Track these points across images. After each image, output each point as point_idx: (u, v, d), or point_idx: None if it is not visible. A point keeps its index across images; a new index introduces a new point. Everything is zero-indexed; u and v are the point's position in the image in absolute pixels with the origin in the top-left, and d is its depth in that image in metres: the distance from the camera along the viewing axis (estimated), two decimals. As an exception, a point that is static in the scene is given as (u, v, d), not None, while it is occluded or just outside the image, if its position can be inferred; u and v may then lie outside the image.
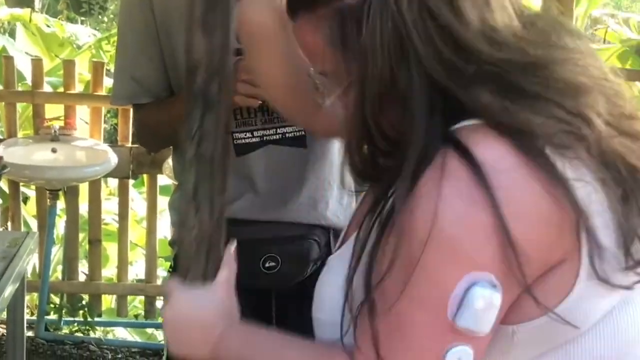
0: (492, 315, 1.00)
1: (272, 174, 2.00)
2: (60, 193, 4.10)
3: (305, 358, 1.16)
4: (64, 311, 4.32)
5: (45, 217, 4.14)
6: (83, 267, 4.53)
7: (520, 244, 0.97)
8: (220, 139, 1.10)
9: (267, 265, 2.00)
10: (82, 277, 4.41)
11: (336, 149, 2.00)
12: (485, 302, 0.98)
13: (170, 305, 1.22)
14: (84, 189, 4.31)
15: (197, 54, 1.07)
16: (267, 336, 1.23)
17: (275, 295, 2.08)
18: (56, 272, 4.61)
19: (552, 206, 0.98)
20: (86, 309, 4.30)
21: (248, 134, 2.01)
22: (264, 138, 1.99)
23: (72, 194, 4.22)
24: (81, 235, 4.45)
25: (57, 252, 4.69)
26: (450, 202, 0.97)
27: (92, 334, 4.29)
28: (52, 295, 4.38)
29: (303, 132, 1.97)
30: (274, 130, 1.99)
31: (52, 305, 4.36)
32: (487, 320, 1.00)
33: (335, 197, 2.04)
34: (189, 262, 1.18)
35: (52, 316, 4.35)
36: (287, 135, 1.99)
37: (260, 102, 1.89)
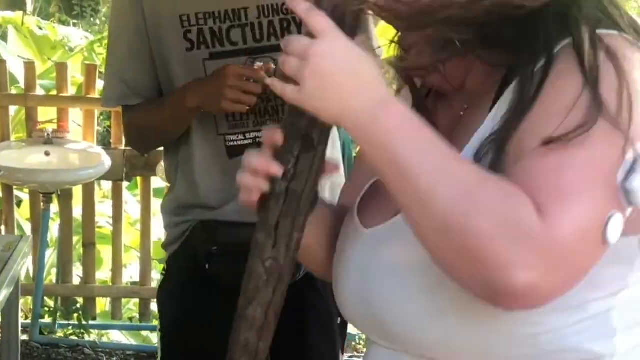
0: None
1: None
2: (54, 196, 4.09)
3: (485, 182, 0.98)
4: (58, 314, 4.31)
5: (39, 221, 4.13)
6: (77, 270, 4.52)
7: None
8: (311, 181, 1.12)
9: None
10: (76, 280, 4.41)
11: (328, 150, 1.99)
12: None
13: (324, 41, 1.01)
14: (77, 192, 4.30)
15: None
16: (438, 139, 1.01)
17: None
18: (50, 276, 4.60)
19: None
20: (80, 312, 4.30)
21: (240, 136, 2.02)
22: (257, 140, 2.00)
23: (65, 197, 4.22)
24: (75, 239, 4.44)
25: (51, 256, 4.69)
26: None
27: (86, 337, 4.28)
28: (46, 299, 4.37)
29: None
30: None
31: (46, 309, 4.36)
32: None
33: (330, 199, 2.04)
34: (256, 293, 1.17)
35: (47, 319, 4.34)
36: None
37: (247, 107, 1.90)
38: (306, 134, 1.10)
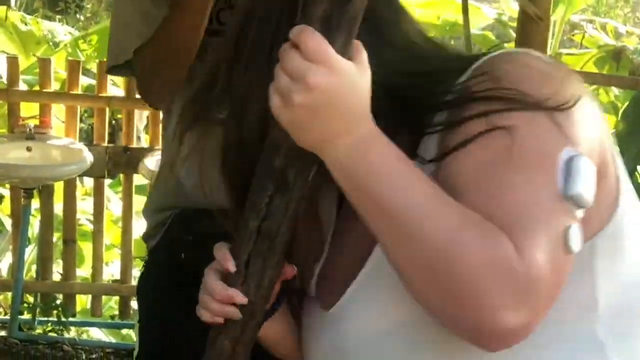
0: (593, 182, 0.98)
1: None
2: (35, 192, 4.07)
3: (467, 223, 0.95)
4: (37, 311, 4.29)
5: (20, 216, 4.11)
6: (57, 267, 4.50)
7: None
8: (286, 222, 1.07)
9: None
10: (56, 277, 4.39)
11: None
12: (592, 169, 0.98)
13: (322, 72, 0.94)
14: (58, 188, 4.28)
15: (282, 132, 1.01)
16: (421, 177, 0.98)
17: None
18: (30, 272, 4.57)
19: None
20: (60, 309, 4.28)
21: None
22: None
23: (46, 193, 4.19)
24: (56, 235, 4.42)
25: (31, 252, 4.66)
26: None
27: (66, 334, 4.26)
28: (26, 295, 4.35)
29: None
30: None
31: (26, 305, 4.33)
32: (591, 187, 0.98)
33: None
34: (224, 326, 1.14)
35: (26, 316, 4.32)
36: None
37: None
38: (282, 174, 1.05)
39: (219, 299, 1.10)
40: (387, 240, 0.99)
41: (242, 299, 1.08)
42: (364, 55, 0.98)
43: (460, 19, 6.18)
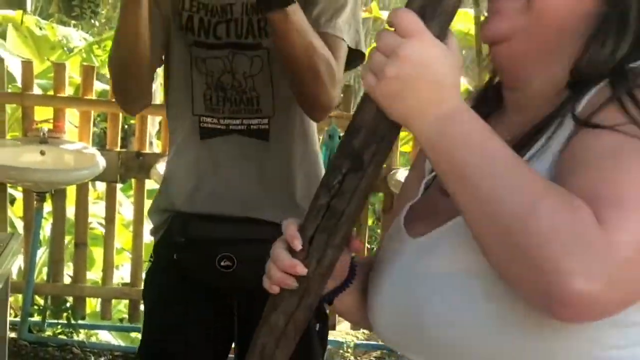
0: None
1: (234, 162, 2.07)
2: (48, 195, 4.10)
3: (549, 193, 0.97)
4: (47, 313, 4.32)
5: (32, 219, 4.14)
6: (68, 270, 4.53)
7: None
8: (355, 202, 1.11)
9: (222, 264, 2.05)
10: (67, 280, 4.42)
11: (296, 142, 2.09)
12: None
13: (413, 44, 1.00)
14: (71, 192, 4.32)
15: (365, 117, 1.09)
16: (505, 146, 1.02)
17: (238, 295, 2.11)
18: (41, 274, 4.61)
19: None
20: (70, 311, 4.31)
21: (214, 120, 2.07)
22: (229, 127, 2.06)
23: (59, 196, 4.23)
24: (67, 238, 4.45)
25: (42, 255, 4.70)
26: None
27: (75, 337, 4.29)
28: (36, 297, 4.38)
29: (267, 126, 2.05)
30: (240, 120, 2.06)
31: (36, 307, 4.37)
32: None
33: (303, 196, 2.06)
34: (281, 300, 1.18)
35: (36, 318, 4.35)
36: (251, 127, 2.06)
37: None
38: (358, 153, 1.09)
39: (280, 266, 1.14)
40: (466, 203, 1.01)
41: (302, 269, 1.12)
42: (454, 41, 1.04)
43: (471, 30, 6.22)
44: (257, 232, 2.04)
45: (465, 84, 6.48)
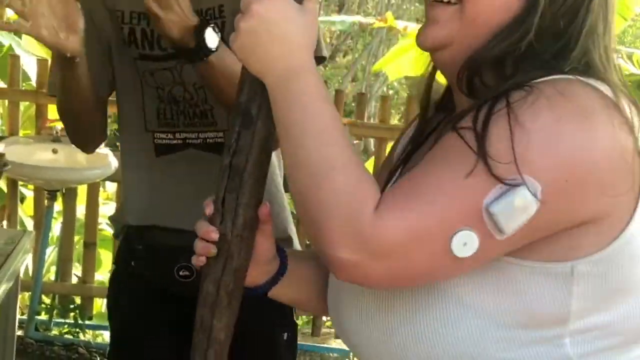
0: (520, 220, 1.04)
1: (192, 178, 2.00)
2: (58, 194, 4.10)
3: (347, 170, 1.09)
4: (55, 312, 4.32)
5: (42, 218, 4.15)
6: (77, 270, 4.53)
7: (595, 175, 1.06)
8: (253, 155, 1.17)
9: (181, 273, 2.01)
10: (75, 280, 4.42)
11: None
12: (524, 203, 1.03)
13: (261, 3, 1.12)
14: (82, 191, 4.32)
15: (247, 72, 1.17)
16: (334, 113, 1.13)
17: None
18: (49, 273, 4.61)
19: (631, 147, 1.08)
20: (77, 311, 4.30)
21: (170, 135, 2.01)
22: (186, 141, 2.00)
23: (70, 195, 4.23)
24: (76, 238, 4.45)
25: (50, 253, 4.70)
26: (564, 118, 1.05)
27: (81, 337, 4.29)
28: (43, 296, 4.38)
29: (223, 139, 1.97)
30: (196, 134, 2.00)
31: (43, 306, 4.37)
32: (514, 223, 1.04)
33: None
34: (208, 268, 1.23)
35: (43, 317, 4.35)
36: (208, 140, 1.99)
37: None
38: (245, 108, 1.16)
39: (199, 235, 1.23)
40: (285, 151, 1.12)
41: (215, 234, 1.20)
42: (312, 4, 1.15)
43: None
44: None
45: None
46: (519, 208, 1.03)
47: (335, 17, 8.03)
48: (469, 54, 1.15)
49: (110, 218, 2.28)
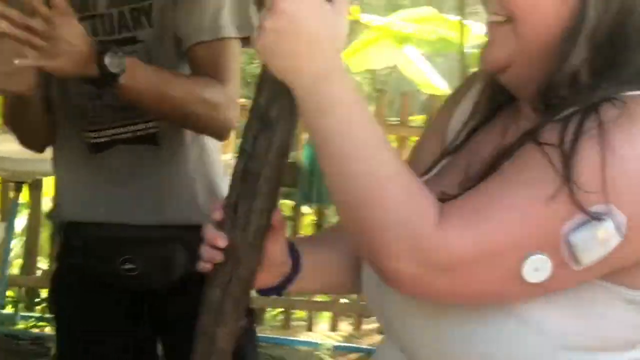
0: (599, 253, 0.98)
1: (127, 172, 1.95)
2: (24, 186, 4.04)
3: (403, 179, 1.03)
4: (20, 305, 4.26)
5: (7, 210, 4.09)
6: (42, 263, 4.48)
7: None
8: (271, 161, 1.11)
9: (126, 266, 1.95)
10: (40, 272, 4.37)
11: (189, 145, 1.96)
12: (606, 236, 0.97)
13: (291, 1, 1.02)
14: (48, 183, 4.26)
15: (267, 73, 1.09)
16: (372, 121, 1.06)
17: (149, 297, 2.02)
18: (14, 266, 4.55)
19: None
20: (43, 304, 4.25)
21: (100, 132, 1.95)
22: (115, 137, 1.94)
23: (36, 187, 4.17)
24: (42, 230, 4.41)
25: (15, 246, 4.64)
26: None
27: (48, 331, 4.23)
28: (8, 289, 4.32)
29: (154, 130, 1.93)
30: (125, 128, 1.93)
31: (8, 299, 4.31)
32: (592, 255, 0.98)
33: (202, 196, 1.98)
34: (214, 274, 1.17)
35: (9, 310, 4.29)
36: (138, 133, 1.93)
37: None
38: (265, 112, 1.10)
39: (206, 242, 1.15)
40: (327, 166, 1.05)
41: (223, 241, 1.12)
42: (344, 5, 1.06)
43: (452, 36, 6.24)
44: (160, 232, 1.95)
45: (445, 88, 6.51)
46: (600, 241, 0.97)
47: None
48: (533, 72, 1.09)
49: (47, 215, 2.20)
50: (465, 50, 5.54)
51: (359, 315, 4.43)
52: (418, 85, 6.65)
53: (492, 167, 1.07)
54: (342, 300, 4.47)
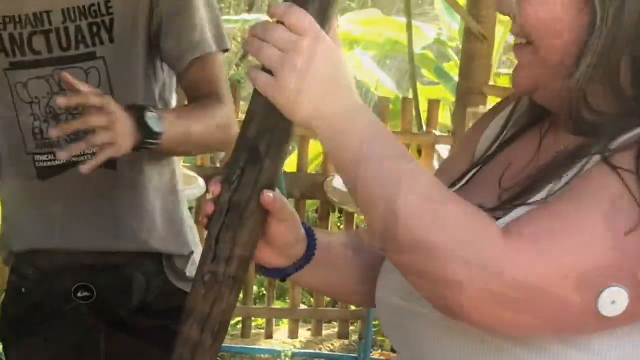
0: None
1: (81, 199, 1.85)
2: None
3: (449, 198, 0.99)
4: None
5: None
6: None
7: None
8: (257, 194, 1.09)
9: (80, 294, 1.88)
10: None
11: (148, 171, 1.88)
12: None
13: (310, 41, 1.00)
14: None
15: (257, 108, 1.07)
16: (403, 150, 1.04)
17: (105, 326, 1.93)
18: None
19: None
20: None
21: (51, 156, 1.84)
22: (71, 160, 1.73)
23: None
24: None
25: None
26: None
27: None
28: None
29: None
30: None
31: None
32: None
33: (161, 223, 1.90)
34: (194, 307, 1.14)
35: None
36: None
37: None
38: (253, 145, 1.08)
39: (210, 192, 1.11)
40: (369, 207, 1.01)
41: (216, 187, 1.09)
42: (336, 33, 1.05)
43: (401, 39, 6.26)
44: (117, 259, 1.88)
45: (391, 89, 6.53)
46: None
47: (249, 16, 8.00)
48: (564, 90, 1.06)
49: None
50: (414, 52, 5.55)
51: (317, 321, 4.43)
52: (369, 88, 6.67)
53: (547, 174, 1.04)
54: (301, 307, 4.47)
